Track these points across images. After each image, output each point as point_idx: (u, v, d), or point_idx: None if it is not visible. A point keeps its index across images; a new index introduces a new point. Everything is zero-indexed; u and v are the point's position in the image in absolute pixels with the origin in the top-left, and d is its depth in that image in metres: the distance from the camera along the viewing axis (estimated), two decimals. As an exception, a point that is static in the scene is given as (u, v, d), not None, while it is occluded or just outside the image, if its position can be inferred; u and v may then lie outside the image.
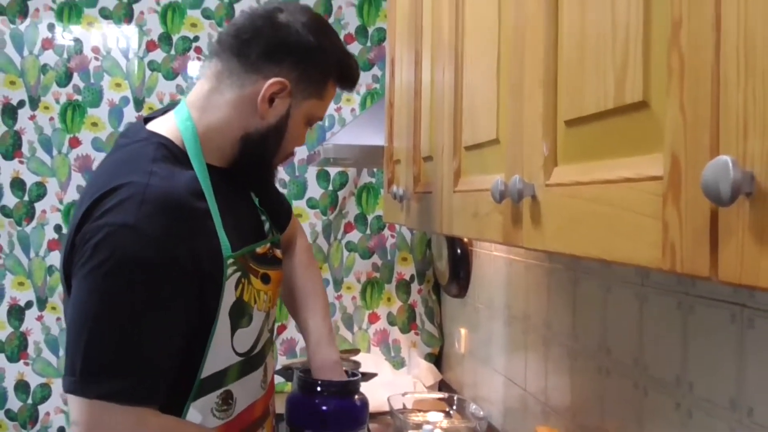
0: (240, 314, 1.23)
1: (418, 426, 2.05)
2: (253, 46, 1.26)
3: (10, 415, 2.68)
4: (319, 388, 1.46)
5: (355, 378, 1.52)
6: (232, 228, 1.23)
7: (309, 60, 1.29)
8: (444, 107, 1.29)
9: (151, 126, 1.27)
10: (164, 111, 1.33)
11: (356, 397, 1.50)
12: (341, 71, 1.35)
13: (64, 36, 2.70)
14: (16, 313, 2.69)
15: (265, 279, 1.31)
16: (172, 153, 1.21)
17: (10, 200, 2.68)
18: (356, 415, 1.48)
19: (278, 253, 1.40)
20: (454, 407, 2.22)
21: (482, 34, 1.09)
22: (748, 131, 0.47)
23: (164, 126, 1.26)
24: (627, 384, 1.35)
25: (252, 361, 1.29)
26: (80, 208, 1.13)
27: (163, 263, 1.09)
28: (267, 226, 1.40)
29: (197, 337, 1.18)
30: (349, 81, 1.38)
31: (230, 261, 1.20)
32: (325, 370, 1.50)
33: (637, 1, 0.63)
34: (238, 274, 1.22)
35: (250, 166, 1.31)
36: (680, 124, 0.55)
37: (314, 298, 1.63)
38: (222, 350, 1.21)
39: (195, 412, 1.19)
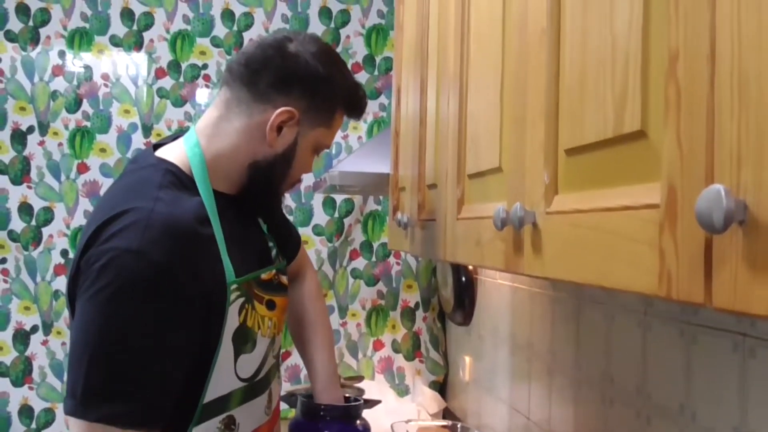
0: (243, 340, 1.24)
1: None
2: (262, 76, 1.28)
3: None
4: (321, 413, 1.47)
5: (357, 403, 1.52)
6: (237, 254, 1.24)
7: (318, 90, 1.31)
8: (449, 135, 1.30)
9: (160, 152, 1.29)
10: (174, 138, 1.35)
11: (358, 422, 1.51)
12: (349, 101, 1.37)
13: (75, 63, 2.74)
14: (22, 337, 2.69)
15: (270, 305, 1.31)
16: (179, 179, 1.23)
17: (18, 225, 2.70)
18: (358, 441, 1.48)
19: (284, 279, 1.41)
20: (458, 435, 2.21)
21: (486, 63, 1.10)
22: (742, 161, 0.48)
23: (173, 153, 1.28)
24: (630, 413, 1.35)
25: (256, 386, 1.30)
26: (86, 233, 1.15)
27: (166, 288, 1.11)
28: (274, 252, 1.41)
29: (200, 362, 1.19)
30: (356, 110, 1.39)
31: (233, 287, 1.21)
32: None
33: (636, 33, 0.64)
34: (242, 299, 1.23)
35: (257, 193, 1.33)
36: (676, 153, 0.56)
37: (322, 334, 1.65)
38: (225, 375, 1.21)
39: None
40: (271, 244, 1.42)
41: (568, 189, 0.80)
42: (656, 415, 1.27)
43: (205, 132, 1.30)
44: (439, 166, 1.37)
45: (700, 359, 1.15)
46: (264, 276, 1.32)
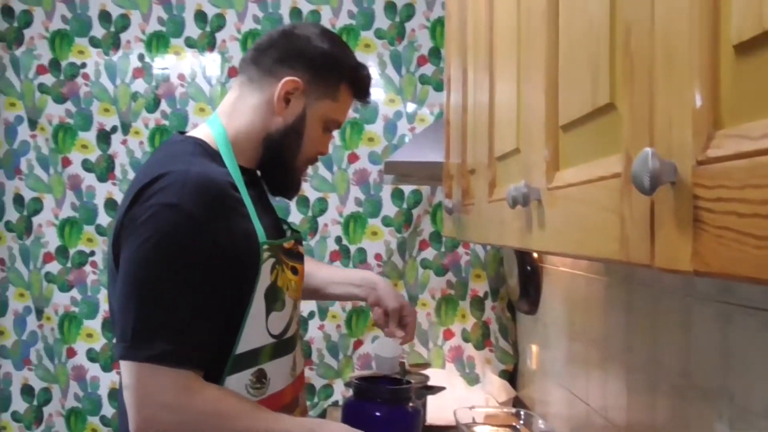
0: (274, 298, 1.33)
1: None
2: (269, 54, 1.42)
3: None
4: (370, 394, 1.51)
5: (407, 386, 1.56)
6: (263, 221, 1.34)
7: (321, 62, 1.42)
8: (483, 121, 1.33)
9: (188, 134, 1.43)
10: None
11: (409, 405, 1.54)
12: (354, 76, 1.47)
13: (153, 65, 2.86)
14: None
15: (294, 271, 1.42)
16: (207, 151, 1.35)
17: (104, 220, 2.85)
18: (407, 423, 1.52)
19: (301, 249, 1.52)
20: (522, 422, 2.22)
21: (507, 48, 1.13)
22: (673, 126, 0.50)
23: (200, 133, 1.41)
24: (675, 396, 1.35)
25: (284, 344, 1.39)
26: (128, 196, 1.27)
27: (202, 239, 1.22)
28: (286, 227, 1.53)
29: (234, 316, 1.28)
30: (361, 87, 1.49)
31: (265, 247, 1.31)
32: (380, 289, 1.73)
33: (605, 9, 0.66)
34: (273, 260, 1.33)
35: (274, 166, 1.44)
36: (630, 122, 0.58)
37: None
38: (257, 330, 1.31)
39: (230, 388, 1.28)
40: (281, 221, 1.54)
41: (566, 165, 0.82)
42: (698, 396, 1.26)
43: (225, 113, 1.43)
44: (477, 152, 1.40)
45: (736, 339, 1.14)
46: (286, 245, 1.42)
